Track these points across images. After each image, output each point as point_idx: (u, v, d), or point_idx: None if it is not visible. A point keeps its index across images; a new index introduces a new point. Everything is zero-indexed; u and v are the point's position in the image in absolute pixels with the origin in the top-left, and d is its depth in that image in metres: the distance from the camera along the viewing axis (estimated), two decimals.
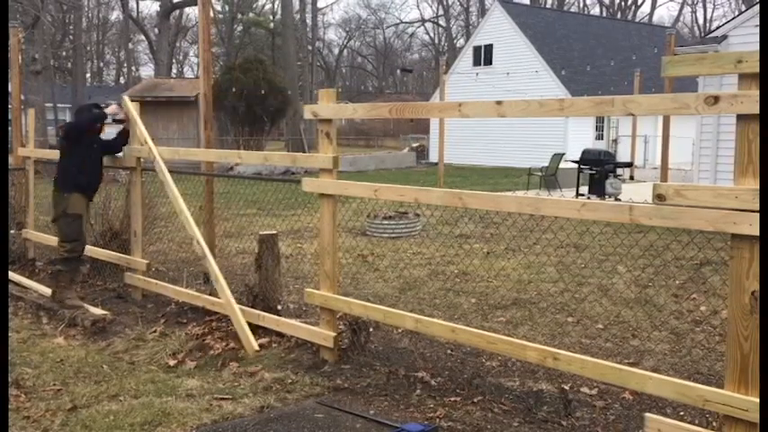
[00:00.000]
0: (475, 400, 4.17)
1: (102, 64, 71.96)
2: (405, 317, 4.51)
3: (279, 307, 5.57)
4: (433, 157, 29.18)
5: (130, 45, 55.08)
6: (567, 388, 4.28)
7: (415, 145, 35.17)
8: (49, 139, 28.64)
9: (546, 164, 18.05)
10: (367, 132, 49.75)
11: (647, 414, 3.40)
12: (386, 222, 10.70)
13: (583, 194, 15.16)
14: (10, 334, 5.60)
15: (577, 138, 26.62)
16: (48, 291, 6.92)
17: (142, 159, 6.70)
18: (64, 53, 49.60)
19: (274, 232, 5.68)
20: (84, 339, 5.58)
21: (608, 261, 8.20)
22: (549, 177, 17.66)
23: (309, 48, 52.26)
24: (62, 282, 6.36)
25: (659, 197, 3.22)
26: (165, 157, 6.27)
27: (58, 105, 46.85)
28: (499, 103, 3.85)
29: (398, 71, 68.76)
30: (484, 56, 31.45)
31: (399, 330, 5.40)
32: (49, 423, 3.88)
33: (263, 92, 27.49)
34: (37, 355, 5.11)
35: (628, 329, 5.68)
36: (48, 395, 4.31)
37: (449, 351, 5.10)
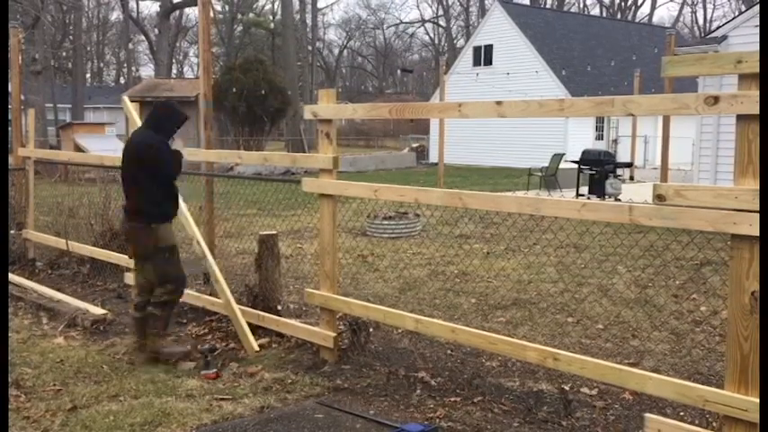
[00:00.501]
0: (475, 401, 4.17)
1: (102, 64, 72.01)
2: (405, 317, 4.51)
3: (279, 307, 5.58)
4: (433, 158, 29.17)
5: (130, 45, 55.06)
6: (567, 388, 4.28)
7: (414, 145, 35.17)
8: (49, 139, 28.66)
9: (546, 164, 18.06)
10: (367, 132, 49.75)
11: (647, 414, 3.40)
12: (386, 222, 10.70)
13: (583, 195, 15.15)
14: (10, 334, 5.60)
15: (577, 138, 26.62)
16: (47, 290, 6.91)
17: None
18: (64, 53, 49.60)
19: (274, 232, 5.68)
20: (85, 340, 5.58)
21: (608, 261, 8.19)
22: (549, 178, 17.66)
23: (309, 48, 52.26)
24: (155, 328, 5.06)
25: (659, 197, 3.22)
26: None
27: (59, 105, 46.88)
28: (499, 103, 3.85)
29: (399, 71, 68.80)
30: (484, 56, 31.44)
31: (399, 330, 5.40)
32: (49, 423, 3.88)
33: (263, 92, 27.52)
34: (37, 355, 5.11)
35: (628, 330, 5.68)
36: (48, 395, 4.31)
37: (449, 351, 5.10)
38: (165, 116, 5.27)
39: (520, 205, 3.81)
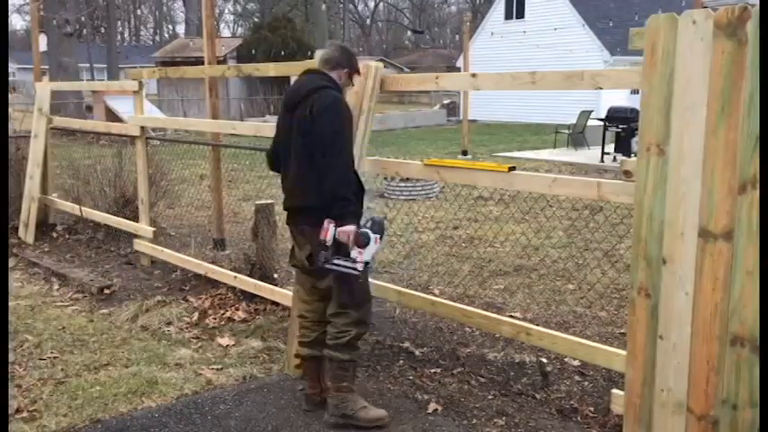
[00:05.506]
0: (454, 372, 4.21)
1: (139, 23, 72.45)
2: (388, 289, 4.54)
3: (275, 276, 5.65)
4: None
5: (166, 3, 55.14)
6: (546, 360, 4.28)
7: (446, 101, 34.80)
8: (84, 100, 28.95)
9: (574, 121, 17.75)
10: None
11: (615, 390, 3.41)
12: (402, 185, 10.68)
13: (608, 153, 14.90)
14: (19, 301, 5.80)
15: (613, 93, 25.98)
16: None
17: (149, 128, 6.80)
18: (98, 14, 49.95)
19: (271, 202, 5.72)
20: (90, 306, 5.73)
21: (622, 224, 8.08)
22: (577, 135, 17.39)
23: (341, 4, 51.69)
24: (346, 380, 3.59)
25: (626, 174, 3.17)
26: (166, 126, 6.33)
27: (95, 65, 47.40)
28: (474, 75, 3.81)
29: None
30: (516, 8, 30.77)
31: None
32: (38, 393, 4.02)
33: (282, 53, 27.33)
34: (41, 322, 5.28)
35: (626, 299, 5.63)
36: (43, 364, 4.45)
37: (438, 321, 5.13)
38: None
39: (494, 180, 3.77)
